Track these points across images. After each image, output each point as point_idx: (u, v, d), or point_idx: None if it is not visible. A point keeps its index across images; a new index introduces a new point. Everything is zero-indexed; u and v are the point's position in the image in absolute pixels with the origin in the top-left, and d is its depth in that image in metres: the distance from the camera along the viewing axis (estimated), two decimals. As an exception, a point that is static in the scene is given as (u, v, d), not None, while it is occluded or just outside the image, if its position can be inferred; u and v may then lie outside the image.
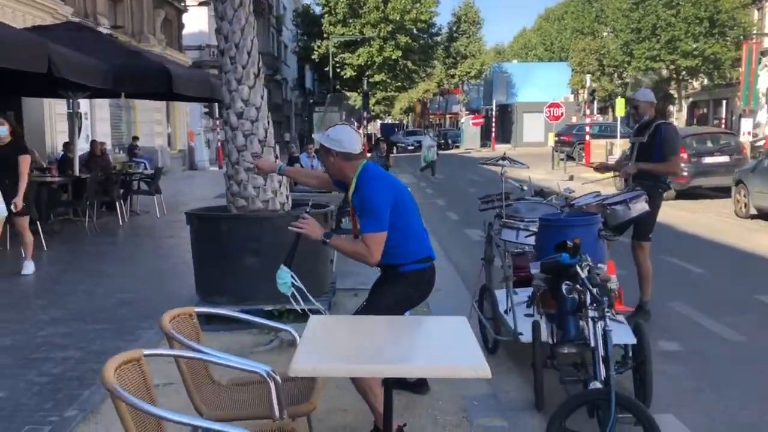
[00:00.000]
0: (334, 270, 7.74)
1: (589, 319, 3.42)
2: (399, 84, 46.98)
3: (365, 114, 26.82)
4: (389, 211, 3.33)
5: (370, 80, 45.68)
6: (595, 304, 3.42)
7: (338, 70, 44.08)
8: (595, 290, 3.41)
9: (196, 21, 36.58)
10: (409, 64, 46.12)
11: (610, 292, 3.73)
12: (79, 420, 3.71)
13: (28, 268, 7.37)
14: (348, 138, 3.44)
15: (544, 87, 49.05)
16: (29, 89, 12.16)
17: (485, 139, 49.44)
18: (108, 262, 8.27)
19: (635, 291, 6.01)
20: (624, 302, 5.60)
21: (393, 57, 44.47)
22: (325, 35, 43.39)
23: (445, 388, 4.24)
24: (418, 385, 4.13)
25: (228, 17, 5.95)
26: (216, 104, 28.26)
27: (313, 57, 47.21)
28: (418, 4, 44.73)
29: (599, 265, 4.31)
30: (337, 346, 2.44)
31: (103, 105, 20.29)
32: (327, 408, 3.73)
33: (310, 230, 3.39)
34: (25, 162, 7.20)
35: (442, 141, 54.82)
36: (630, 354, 4.16)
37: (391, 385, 2.52)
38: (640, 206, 5.57)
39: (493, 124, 48.51)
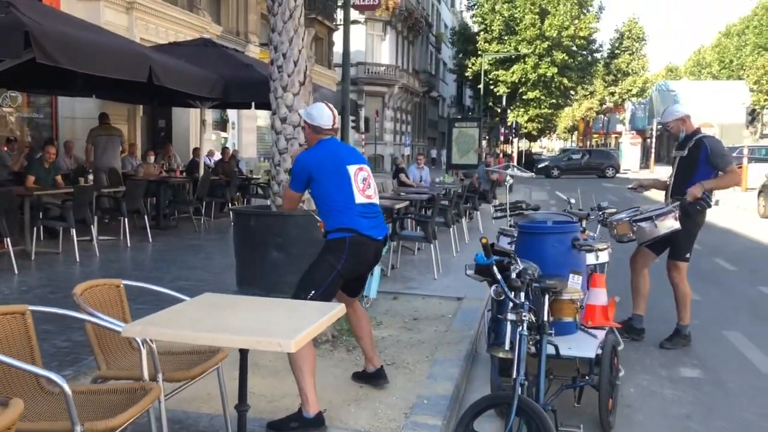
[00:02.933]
0: (388, 274, 7.97)
1: (508, 322, 3.37)
2: (554, 101, 45.95)
3: (503, 130, 26.53)
4: (306, 178, 3.85)
5: (524, 97, 45.14)
6: (513, 307, 3.36)
7: (492, 86, 44.02)
8: (512, 293, 3.36)
9: (353, 40, 38.20)
10: (565, 81, 44.99)
11: (548, 297, 3.65)
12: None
13: None
14: (319, 113, 3.94)
15: (714, 107, 45.72)
16: (177, 100, 13.37)
17: (647, 159, 46.98)
18: (194, 254, 9.05)
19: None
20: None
21: (548, 74, 43.66)
22: (479, 52, 43.54)
23: (409, 386, 4.32)
24: (376, 377, 4.26)
25: (278, 29, 6.38)
26: (363, 118, 29.48)
27: (466, 74, 47.53)
28: (577, 21, 43.58)
29: (575, 275, 4.22)
30: (192, 317, 2.68)
31: (250, 115, 21.85)
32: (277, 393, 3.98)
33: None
34: None
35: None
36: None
37: (246, 352, 2.72)
38: (669, 223, 5.27)
39: (653, 145, 45.90)
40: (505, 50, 43.17)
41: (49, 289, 6.80)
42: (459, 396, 4.34)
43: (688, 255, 5.55)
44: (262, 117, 22.31)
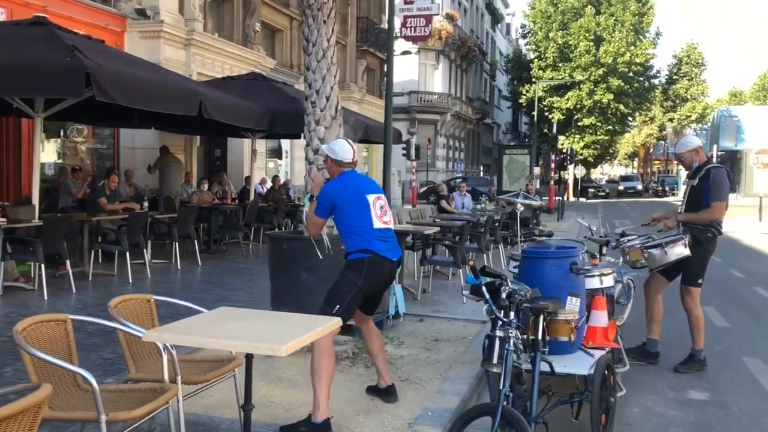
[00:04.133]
0: (418, 297, 8.29)
1: (496, 339, 3.66)
2: (610, 127, 45.56)
3: (554, 157, 26.58)
4: (329, 206, 4.28)
5: (579, 123, 44.94)
6: (501, 324, 3.66)
7: (546, 113, 44.01)
8: (501, 312, 3.65)
9: (406, 69, 38.99)
10: (622, 107, 44.61)
11: (543, 317, 3.92)
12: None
13: None
14: (341, 149, 4.41)
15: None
16: (230, 131, 14.10)
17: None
18: (238, 276, 9.56)
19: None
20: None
21: (604, 100, 43.41)
22: (533, 79, 43.67)
23: (417, 400, 4.63)
24: (386, 393, 4.59)
25: (312, 68, 6.88)
26: (413, 146, 29.94)
27: (520, 101, 47.66)
28: (633, 47, 43.29)
29: (573, 297, 4.47)
30: (204, 325, 3.09)
31: (303, 145, 22.59)
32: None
33: (316, 185, 4.63)
34: None
35: (659, 188, 52.01)
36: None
37: (251, 358, 3.11)
38: (678, 250, 5.46)
39: (714, 171, 44.72)
40: (560, 77, 43.17)
41: (102, 306, 7.30)
42: (464, 409, 4.62)
43: (700, 281, 5.70)
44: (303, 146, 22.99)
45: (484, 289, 3.67)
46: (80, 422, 2.86)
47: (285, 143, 22.05)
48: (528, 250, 4.77)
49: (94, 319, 3.40)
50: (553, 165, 26.34)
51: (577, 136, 45.55)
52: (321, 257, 4.94)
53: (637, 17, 44.16)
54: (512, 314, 3.71)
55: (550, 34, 44.33)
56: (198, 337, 2.88)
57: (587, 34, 42.93)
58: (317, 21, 6.87)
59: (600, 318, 4.67)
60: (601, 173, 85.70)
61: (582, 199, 45.42)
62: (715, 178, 5.55)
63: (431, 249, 8.87)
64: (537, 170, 29.75)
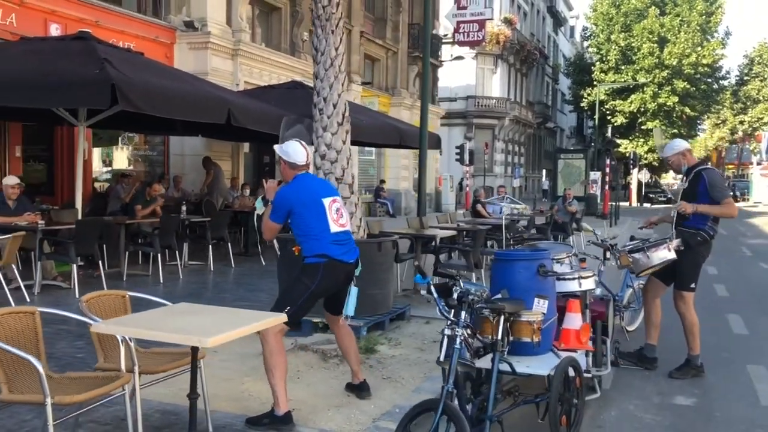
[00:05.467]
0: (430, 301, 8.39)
1: (445, 336, 3.78)
2: (676, 131, 44.21)
3: (608, 161, 26.05)
4: (286, 211, 4.32)
5: (643, 127, 43.83)
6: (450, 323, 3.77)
7: (609, 116, 43.12)
8: (452, 312, 3.77)
9: (463, 74, 38.97)
10: (688, 110, 43.26)
11: (503, 318, 4.01)
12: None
13: None
14: (294, 151, 4.43)
15: None
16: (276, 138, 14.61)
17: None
18: (266, 278, 9.84)
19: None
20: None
21: (669, 103, 42.20)
22: (595, 83, 42.88)
23: (393, 397, 4.78)
24: (359, 389, 4.74)
25: (320, 76, 7.12)
26: (467, 151, 29.86)
27: (582, 105, 46.84)
28: (700, 48, 41.94)
29: (540, 299, 4.53)
30: (153, 319, 3.34)
31: (352, 150, 22.92)
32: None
33: (269, 189, 4.48)
34: None
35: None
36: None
37: (196, 350, 3.34)
38: (662, 254, 5.44)
39: (789, 176, 42.92)
40: (622, 80, 42.22)
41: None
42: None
43: (693, 285, 5.63)
44: (353, 152, 23.32)
45: (432, 288, 3.80)
46: (31, 404, 3.14)
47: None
48: (497, 253, 4.85)
49: (62, 312, 3.70)
50: (607, 170, 25.80)
51: (641, 139, 44.41)
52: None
53: (704, 17, 42.77)
54: (463, 314, 3.81)
55: (612, 37, 43.42)
56: (141, 329, 3.14)
57: (651, 36, 41.85)
58: (325, 31, 7.11)
59: (573, 320, 4.71)
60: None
61: (646, 205, 44.20)
62: (710, 179, 5.48)
63: (448, 253, 8.96)
64: (595, 175, 29.19)
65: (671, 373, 5.67)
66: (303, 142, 4.50)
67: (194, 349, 3.32)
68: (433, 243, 8.72)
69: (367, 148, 23.40)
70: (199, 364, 3.97)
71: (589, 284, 5.02)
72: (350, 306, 4.58)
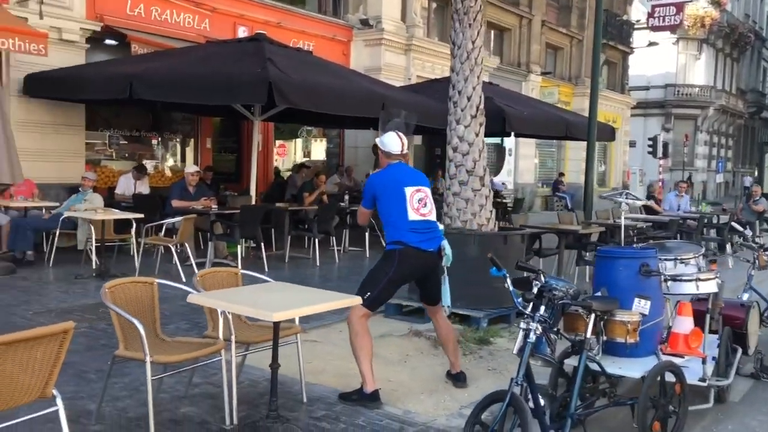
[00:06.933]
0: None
1: (520, 329, 3.77)
2: None
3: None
4: (371, 197, 4.60)
5: None
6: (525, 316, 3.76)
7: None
8: (530, 306, 3.75)
9: (661, 61, 36.51)
10: None
11: (594, 316, 3.91)
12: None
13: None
14: (389, 141, 4.66)
15: None
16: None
17: None
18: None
19: None
20: None
21: None
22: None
23: (489, 388, 4.80)
24: (456, 379, 4.82)
25: (456, 69, 7.23)
26: (660, 143, 28.08)
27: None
28: None
29: (641, 300, 4.33)
30: (239, 295, 3.74)
31: (529, 143, 22.58)
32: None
33: None
34: None
35: None
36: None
37: (278, 324, 3.67)
38: None
39: None
40: None
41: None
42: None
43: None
44: (530, 145, 22.96)
45: (508, 281, 3.81)
46: (137, 361, 3.66)
47: (509, 141, 22.21)
48: (599, 250, 4.68)
49: (174, 284, 4.22)
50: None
51: None
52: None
53: None
54: (542, 308, 3.78)
55: None
56: (223, 302, 3.54)
57: None
58: (463, 24, 7.20)
59: (682, 324, 4.44)
60: None
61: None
62: None
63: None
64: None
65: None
66: (400, 133, 4.67)
67: (276, 324, 3.65)
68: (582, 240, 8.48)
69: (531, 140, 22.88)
70: (295, 339, 4.37)
71: (709, 287, 4.67)
72: (446, 296, 4.68)
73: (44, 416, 3.11)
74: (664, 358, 4.29)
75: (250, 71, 8.45)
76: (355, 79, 10.52)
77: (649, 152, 30.55)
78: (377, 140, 4.73)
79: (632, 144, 31.68)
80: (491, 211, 7.17)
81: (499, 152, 22.43)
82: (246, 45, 9.90)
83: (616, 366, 4.15)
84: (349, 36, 16.10)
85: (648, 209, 12.61)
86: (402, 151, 4.62)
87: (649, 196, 13.06)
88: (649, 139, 28.62)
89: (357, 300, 3.74)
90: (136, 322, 3.54)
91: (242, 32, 13.46)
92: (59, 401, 3.03)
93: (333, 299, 3.67)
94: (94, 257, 8.52)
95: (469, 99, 7.15)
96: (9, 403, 2.88)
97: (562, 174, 24.51)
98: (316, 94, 8.74)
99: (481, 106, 7.24)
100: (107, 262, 8.48)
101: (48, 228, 9.13)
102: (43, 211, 9.42)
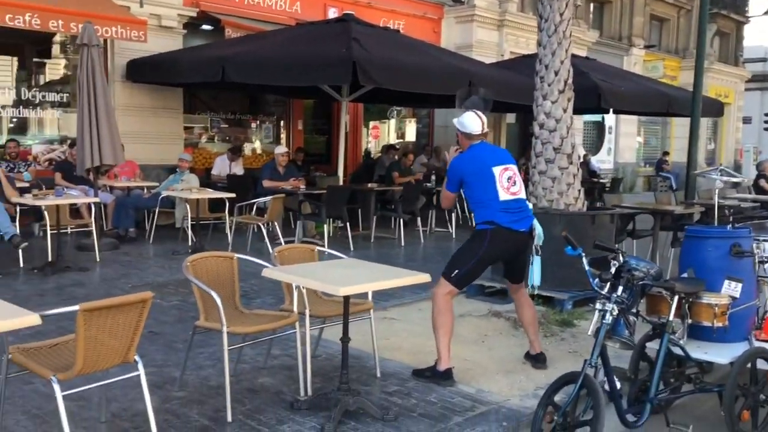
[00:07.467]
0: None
1: (596, 310, 3.64)
2: None
3: None
4: (458, 180, 4.49)
5: None
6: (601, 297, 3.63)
7: None
8: (607, 287, 3.62)
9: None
10: None
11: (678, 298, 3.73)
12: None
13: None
14: (469, 121, 4.53)
15: None
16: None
17: None
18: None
19: None
20: None
21: None
22: None
23: (568, 369, 4.69)
24: (535, 360, 4.72)
25: (543, 43, 7.03)
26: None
27: None
28: None
29: (731, 282, 4.10)
30: (312, 270, 3.80)
31: (630, 120, 21.67)
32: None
33: (451, 156, 4.63)
34: None
35: None
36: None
37: (347, 298, 3.71)
38: None
39: None
40: None
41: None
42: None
43: None
44: (632, 122, 22.05)
45: (584, 261, 3.68)
46: (215, 331, 3.80)
47: (609, 119, 21.42)
48: (688, 229, 4.42)
49: (255, 259, 4.35)
50: None
51: None
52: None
53: None
54: (620, 289, 3.64)
55: None
56: (294, 276, 3.61)
57: None
58: (550, -4, 6.97)
59: (778, 309, 4.15)
60: None
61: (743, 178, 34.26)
62: None
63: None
64: None
65: None
66: (479, 112, 4.56)
67: (345, 298, 3.69)
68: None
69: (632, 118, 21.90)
70: (369, 315, 4.41)
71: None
72: (535, 276, 4.59)
73: (131, 379, 3.30)
74: (757, 344, 4.04)
75: (336, 52, 8.53)
76: (443, 56, 10.42)
77: (766, 129, 28.66)
78: (455, 121, 4.61)
79: (747, 120, 29.81)
80: (579, 191, 6.94)
81: (599, 130, 21.73)
82: (333, 26, 9.99)
83: (701, 351, 3.94)
84: (440, 13, 15.93)
85: (759, 189, 11.85)
86: (483, 130, 4.51)
87: (760, 175, 12.24)
88: (766, 114, 26.88)
89: (424, 277, 3.72)
90: (213, 293, 3.67)
91: (332, 13, 13.58)
92: (140, 366, 3.21)
93: (400, 276, 3.67)
94: (190, 234, 8.91)
95: (556, 73, 6.92)
96: (97, 365, 3.07)
97: (666, 153, 23.38)
98: (400, 73, 8.72)
99: (570, 81, 7.00)
100: (202, 239, 8.86)
101: (148, 207, 9.61)
102: (144, 190, 9.93)
